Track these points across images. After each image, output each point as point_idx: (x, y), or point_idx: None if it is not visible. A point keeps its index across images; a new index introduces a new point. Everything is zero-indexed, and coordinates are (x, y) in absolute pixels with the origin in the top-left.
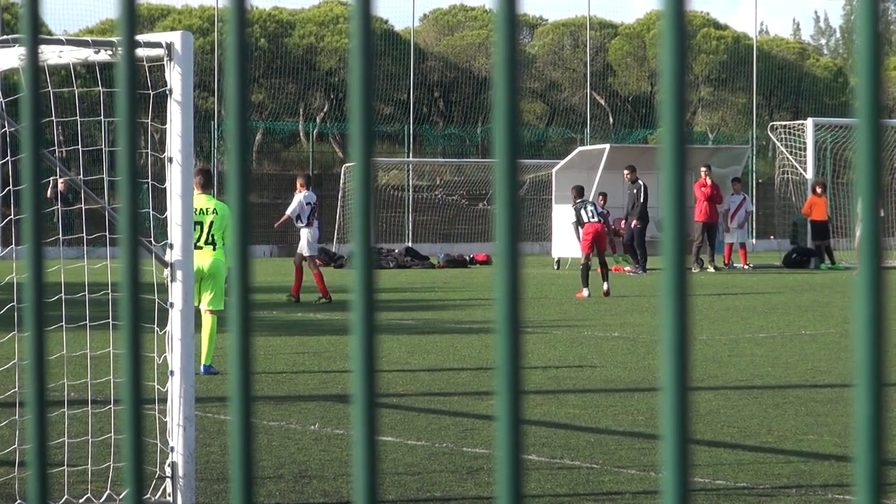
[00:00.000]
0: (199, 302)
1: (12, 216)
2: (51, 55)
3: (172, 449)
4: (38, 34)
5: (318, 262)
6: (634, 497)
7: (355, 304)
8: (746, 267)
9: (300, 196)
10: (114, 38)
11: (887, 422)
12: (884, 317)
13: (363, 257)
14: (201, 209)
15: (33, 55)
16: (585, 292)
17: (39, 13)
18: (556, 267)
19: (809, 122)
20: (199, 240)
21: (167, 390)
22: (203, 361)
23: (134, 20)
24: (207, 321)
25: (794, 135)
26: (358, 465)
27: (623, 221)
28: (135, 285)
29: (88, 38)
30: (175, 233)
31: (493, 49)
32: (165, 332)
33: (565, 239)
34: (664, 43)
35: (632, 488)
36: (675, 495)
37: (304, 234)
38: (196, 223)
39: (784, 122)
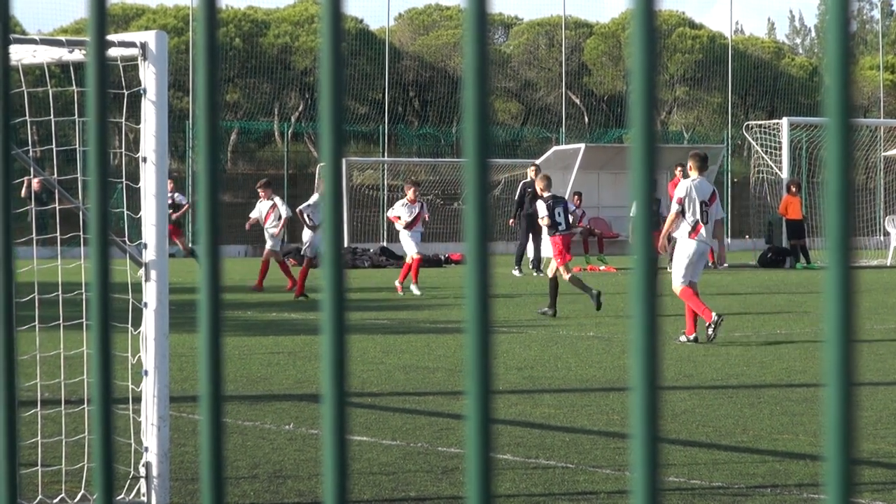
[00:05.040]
0: None
1: None
2: (25, 54)
3: (147, 449)
4: (8, 33)
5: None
6: (609, 497)
7: (325, 303)
8: (712, 266)
9: (316, 197)
10: (87, 38)
11: (858, 421)
12: (854, 316)
13: (333, 256)
14: None
15: (3, 54)
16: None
17: (9, 11)
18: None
19: (785, 122)
20: None
21: (141, 390)
22: None
23: (104, 19)
24: None
25: (770, 134)
26: (328, 464)
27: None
28: (105, 285)
29: (62, 38)
30: (149, 232)
31: (463, 48)
32: (139, 332)
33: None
34: (634, 41)
35: (607, 488)
36: (645, 495)
37: (310, 236)
38: None
39: (759, 122)
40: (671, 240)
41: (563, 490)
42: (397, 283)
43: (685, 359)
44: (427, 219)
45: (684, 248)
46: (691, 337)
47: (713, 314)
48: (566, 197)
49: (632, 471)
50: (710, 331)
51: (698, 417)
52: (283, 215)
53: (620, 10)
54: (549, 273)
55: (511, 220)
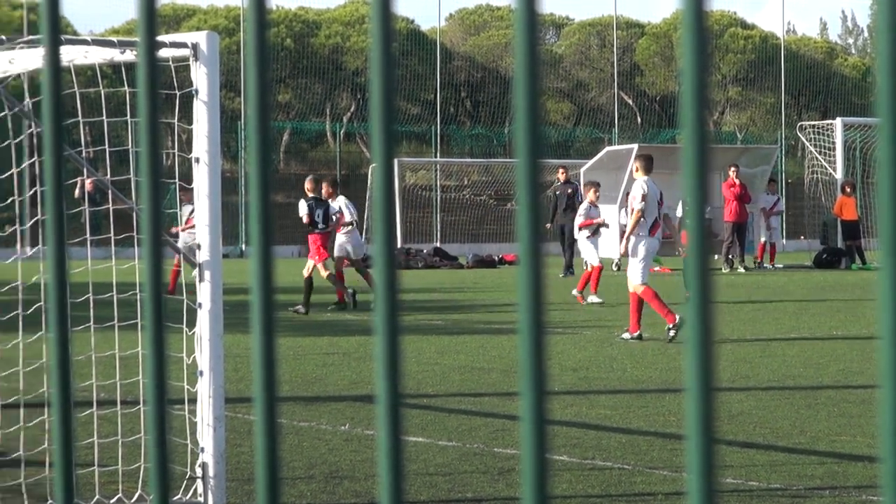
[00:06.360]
0: None
1: (39, 216)
2: (77, 55)
3: (203, 449)
4: (59, 34)
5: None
6: (667, 498)
7: (378, 304)
8: (770, 267)
9: (342, 199)
10: (137, 39)
11: None
12: None
13: (386, 257)
14: None
15: (55, 55)
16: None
17: (59, 12)
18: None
19: (838, 122)
20: None
21: (197, 391)
22: None
23: (154, 20)
24: None
25: (823, 134)
26: (383, 465)
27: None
28: (158, 286)
29: (114, 39)
30: (203, 233)
31: (514, 48)
32: (194, 333)
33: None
34: (685, 42)
35: (664, 489)
36: (701, 496)
37: (351, 236)
38: None
39: (812, 122)
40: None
41: (619, 491)
42: (576, 293)
43: (741, 360)
44: (608, 225)
45: (645, 246)
46: (635, 334)
47: (676, 316)
48: (619, 197)
49: (688, 472)
50: (672, 332)
51: (755, 419)
52: (349, 217)
53: (672, 9)
54: (305, 273)
55: (548, 225)
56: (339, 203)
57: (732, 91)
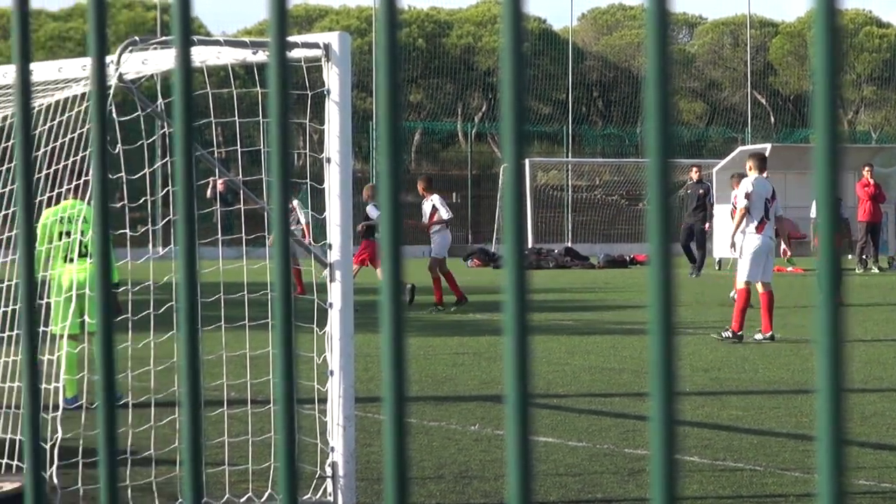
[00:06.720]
0: (68, 325)
1: (171, 216)
2: (209, 56)
3: (333, 449)
4: (189, 34)
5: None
6: (798, 500)
7: (508, 304)
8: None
9: (437, 197)
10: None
11: None
12: None
13: (515, 257)
14: (70, 218)
15: (185, 56)
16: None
17: (190, 13)
18: (717, 267)
19: None
20: (72, 252)
21: (327, 390)
22: (71, 393)
23: (285, 21)
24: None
25: None
26: (512, 465)
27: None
28: (288, 285)
29: (246, 39)
30: (334, 233)
31: (645, 48)
32: (325, 332)
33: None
34: (817, 41)
35: (795, 490)
36: (832, 498)
37: (441, 236)
38: (66, 233)
39: None
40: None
41: (751, 492)
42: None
43: (874, 361)
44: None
45: (750, 244)
46: (767, 335)
47: (741, 330)
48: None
49: (818, 473)
50: (725, 335)
51: (888, 420)
52: (446, 215)
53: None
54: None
55: (680, 224)
56: (434, 201)
57: (867, 90)
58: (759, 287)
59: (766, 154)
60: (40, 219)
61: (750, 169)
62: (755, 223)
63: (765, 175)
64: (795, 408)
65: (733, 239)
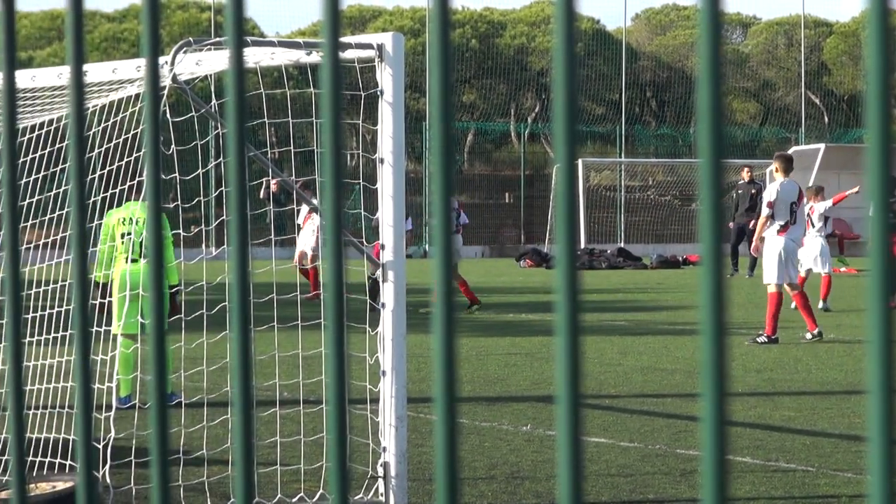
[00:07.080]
0: (124, 324)
1: (224, 217)
2: (263, 57)
3: (384, 449)
4: (243, 35)
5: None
6: (851, 500)
7: (559, 305)
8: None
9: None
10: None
11: None
12: None
13: (567, 257)
14: (131, 218)
15: (238, 56)
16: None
17: (244, 13)
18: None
19: None
20: (131, 252)
21: (379, 391)
22: (125, 392)
23: (338, 21)
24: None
25: None
26: (563, 466)
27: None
28: (340, 285)
29: (300, 40)
30: (387, 233)
31: (698, 48)
32: (377, 333)
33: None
34: (871, 40)
35: (848, 491)
36: (883, 499)
37: (457, 241)
38: (127, 234)
39: None
40: (762, 240)
41: (803, 493)
42: (821, 305)
43: None
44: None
45: (774, 246)
46: (815, 332)
47: (774, 333)
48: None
49: (870, 474)
50: (760, 339)
51: None
52: (464, 220)
53: (860, 8)
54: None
55: (730, 224)
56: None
57: None
58: (788, 289)
59: (819, 154)
60: (104, 218)
61: (776, 171)
62: (778, 226)
63: (790, 177)
64: (848, 409)
65: (757, 243)
